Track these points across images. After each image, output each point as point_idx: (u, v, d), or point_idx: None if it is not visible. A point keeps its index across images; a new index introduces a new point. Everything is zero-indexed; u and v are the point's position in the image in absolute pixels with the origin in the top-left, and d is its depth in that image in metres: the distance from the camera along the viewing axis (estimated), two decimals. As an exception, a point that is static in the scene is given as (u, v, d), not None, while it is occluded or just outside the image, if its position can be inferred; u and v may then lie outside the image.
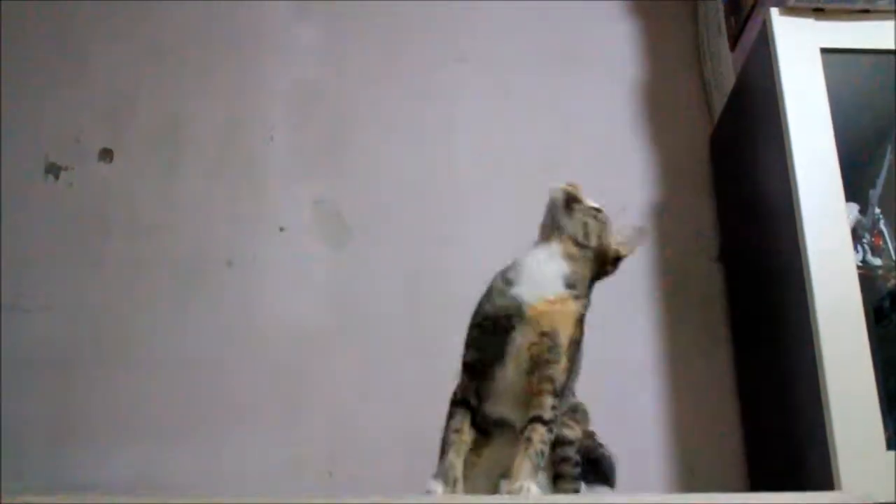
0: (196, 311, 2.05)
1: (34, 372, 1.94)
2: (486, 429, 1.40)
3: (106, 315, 2.02)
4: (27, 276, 2.02)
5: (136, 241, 2.08)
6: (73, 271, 2.04)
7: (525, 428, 1.32)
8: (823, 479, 1.60)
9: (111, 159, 2.14)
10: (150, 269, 2.06)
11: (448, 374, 1.92)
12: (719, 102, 2.27)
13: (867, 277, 1.89)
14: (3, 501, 1.10)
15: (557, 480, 1.41)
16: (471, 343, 1.40)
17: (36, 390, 1.93)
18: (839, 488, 1.56)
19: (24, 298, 2.00)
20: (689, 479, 1.92)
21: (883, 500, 1.53)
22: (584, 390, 1.45)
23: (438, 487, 1.31)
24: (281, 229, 2.14)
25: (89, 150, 2.14)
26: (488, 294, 1.43)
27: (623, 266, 2.08)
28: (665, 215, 2.23)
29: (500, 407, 1.37)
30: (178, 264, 2.08)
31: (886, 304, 1.97)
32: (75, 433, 1.91)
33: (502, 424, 1.39)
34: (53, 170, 2.11)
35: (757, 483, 2.02)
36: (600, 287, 1.45)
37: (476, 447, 1.40)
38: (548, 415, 1.32)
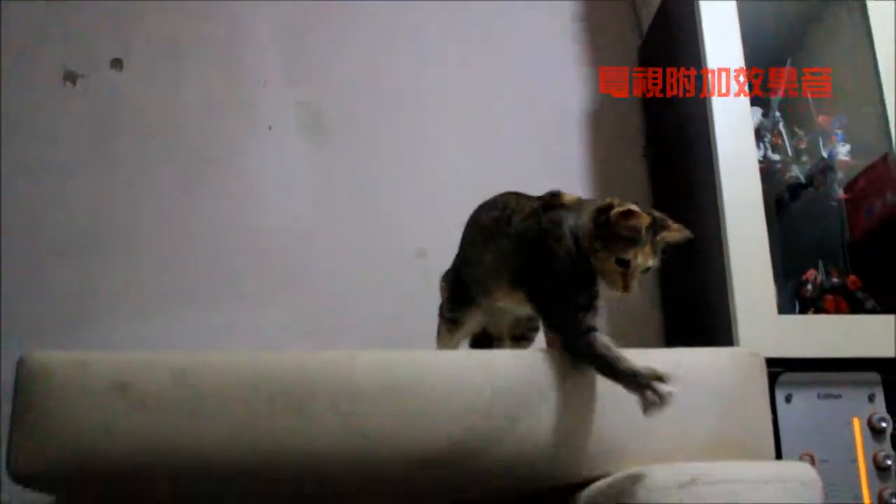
0: (196, 204, 2.14)
1: (54, 258, 2.03)
2: None
3: (117, 208, 2.11)
4: (47, 174, 2.10)
5: (144, 141, 2.17)
6: (87, 169, 2.12)
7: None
8: (725, 338, 1.74)
9: (121, 68, 2.21)
10: (155, 167, 2.15)
11: (412, 248, 2.11)
12: (647, 19, 2.38)
13: (767, 171, 2.10)
14: (32, 355, 1.12)
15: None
16: None
17: (54, 275, 2.02)
18: (738, 345, 1.70)
19: (43, 193, 2.08)
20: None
21: (773, 355, 1.62)
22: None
23: None
24: (269, 128, 2.24)
25: (102, 59, 2.20)
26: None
27: (559, 166, 2.30)
28: (600, 118, 2.37)
29: None
30: (180, 162, 2.17)
31: (786, 196, 2.15)
32: (90, 311, 2.00)
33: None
34: (71, 77, 2.17)
35: (671, 340, 2.15)
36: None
37: None
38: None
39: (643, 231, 1.18)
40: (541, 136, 2.34)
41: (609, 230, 1.19)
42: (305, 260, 2.16)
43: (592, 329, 1.18)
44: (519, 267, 1.28)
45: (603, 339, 1.17)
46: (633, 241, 1.18)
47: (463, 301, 1.42)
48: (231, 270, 2.12)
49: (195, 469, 1.11)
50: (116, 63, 2.22)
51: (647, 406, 1.10)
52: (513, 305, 1.34)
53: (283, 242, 2.16)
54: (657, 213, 1.23)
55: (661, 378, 1.11)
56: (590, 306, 1.20)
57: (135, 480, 1.13)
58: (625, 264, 1.19)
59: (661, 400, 1.09)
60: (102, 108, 2.18)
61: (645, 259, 1.20)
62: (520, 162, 2.28)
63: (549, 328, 1.28)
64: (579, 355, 1.18)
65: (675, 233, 1.23)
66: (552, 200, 1.29)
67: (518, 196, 1.36)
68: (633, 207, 1.18)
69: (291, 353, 1.19)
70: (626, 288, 1.20)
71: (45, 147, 2.12)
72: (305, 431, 1.11)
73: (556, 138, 2.35)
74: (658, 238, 1.21)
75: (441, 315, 1.47)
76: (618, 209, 1.18)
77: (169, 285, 2.08)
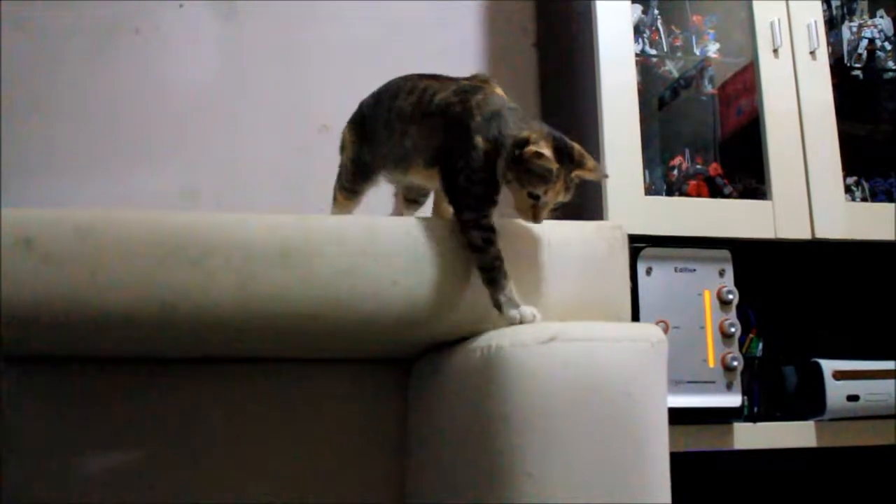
0: (111, 70, 2.12)
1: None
2: None
3: (37, 74, 2.07)
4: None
5: (59, 10, 2.10)
6: (7, 37, 2.05)
7: None
8: (597, 216, 1.78)
9: (36, -60, 2.10)
10: (72, 36, 2.10)
11: (316, 123, 2.09)
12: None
13: (645, 65, 2.16)
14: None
15: None
16: None
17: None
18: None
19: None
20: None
21: (638, 232, 1.75)
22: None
23: None
24: (180, 6, 2.20)
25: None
26: None
27: (457, 48, 2.30)
28: (496, 9, 2.38)
29: None
30: (95, 31, 2.12)
31: (667, 94, 2.23)
32: (15, 170, 1.98)
33: None
34: (-14, -51, 2.06)
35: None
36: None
37: None
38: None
39: (554, 171, 1.14)
40: (441, 20, 2.33)
41: (522, 165, 1.14)
42: (211, 127, 2.16)
43: (488, 228, 1.16)
44: (437, 148, 1.23)
45: (493, 248, 1.16)
46: (544, 178, 1.14)
47: (365, 177, 1.40)
48: (138, 135, 2.11)
49: (97, 320, 1.12)
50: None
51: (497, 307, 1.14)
52: (423, 181, 1.31)
53: (189, 110, 2.15)
54: (576, 149, 1.18)
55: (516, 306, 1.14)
56: (491, 200, 1.18)
57: (39, 334, 1.13)
58: (535, 198, 1.16)
59: (508, 318, 1.13)
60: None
61: (555, 195, 1.17)
62: (420, 43, 2.27)
63: (451, 206, 1.24)
64: (468, 243, 1.17)
65: (590, 172, 1.18)
66: (483, 86, 1.24)
67: (436, 78, 1.31)
68: (545, 151, 1.12)
69: (190, 213, 1.20)
70: (535, 219, 1.18)
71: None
72: (201, 285, 1.12)
73: (455, 23, 2.34)
74: (572, 175, 1.17)
75: (340, 185, 1.45)
76: (531, 148, 1.13)
77: (78, 147, 2.06)
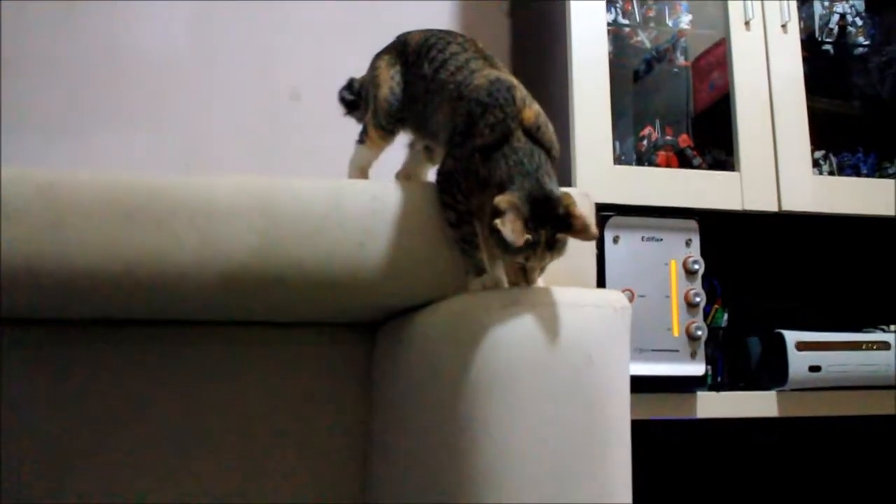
0: (81, 34, 2.09)
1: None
2: None
3: (7, 37, 2.03)
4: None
5: None
6: None
7: None
8: (566, 184, 1.61)
9: None
10: None
11: (286, 90, 2.07)
12: None
13: (617, 35, 2.15)
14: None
15: None
16: None
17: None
18: (577, 191, 1.80)
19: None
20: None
21: (606, 201, 1.77)
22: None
23: None
24: None
25: None
26: None
27: (429, 12, 2.29)
28: None
29: None
30: None
31: (642, 67, 2.22)
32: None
33: None
34: None
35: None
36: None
37: None
38: None
39: (520, 246, 1.03)
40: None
41: (495, 235, 1.04)
42: (181, 93, 2.13)
43: (463, 211, 1.13)
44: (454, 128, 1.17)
45: (467, 226, 1.13)
46: (518, 249, 1.05)
47: (403, 123, 1.32)
48: (107, 99, 2.09)
49: (59, 279, 1.10)
50: None
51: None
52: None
53: (159, 75, 2.13)
54: (562, 206, 1.06)
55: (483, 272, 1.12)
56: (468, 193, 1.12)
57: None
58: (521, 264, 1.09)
59: (475, 284, 1.12)
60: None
61: (541, 260, 1.08)
62: (391, 11, 2.25)
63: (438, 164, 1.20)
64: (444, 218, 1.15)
65: (577, 234, 1.07)
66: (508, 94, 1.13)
67: (482, 55, 1.24)
68: (509, 236, 1.02)
69: (153, 174, 1.18)
70: (526, 282, 1.10)
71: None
72: (165, 245, 1.11)
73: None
74: (558, 237, 1.07)
75: (377, 124, 1.34)
76: (496, 223, 1.03)
77: (48, 110, 2.04)
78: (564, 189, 1.09)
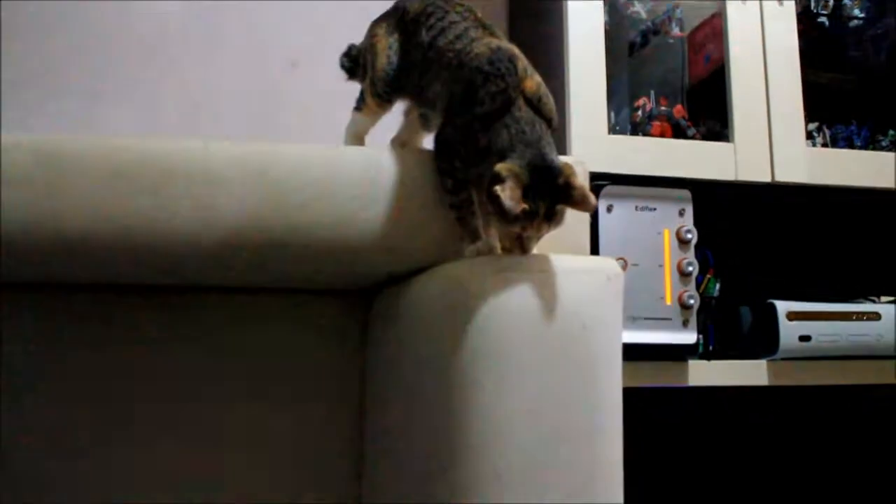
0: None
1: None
2: None
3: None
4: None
5: None
6: None
7: None
8: (561, 152, 1.72)
9: None
10: None
11: (285, 59, 2.06)
12: None
13: (613, 5, 2.11)
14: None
15: None
16: None
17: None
18: (570, 160, 1.80)
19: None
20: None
21: (600, 170, 1.76)
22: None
23: None
24: None
25: None
26: None
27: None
28: None
29: None
30: None
31: (638, 40, 2.23)
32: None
33: None
34: None
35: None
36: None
37: None
38: None
39: (518, 215, 1.03)
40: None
41: (493, 204, 1.03)
42: (179, 61, 2.12)
43: (460, 179, 1.13)
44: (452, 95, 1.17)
45: (463, 192, 1.13)
46: (516, 219, 1.04)
47: (400, 91, 1.31)
48: (104, 65, 2.07)
49: (54, 244, 1.11)
50: None
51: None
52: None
53: (156, 42, 2.12)
54: (563, 176, 1.05)
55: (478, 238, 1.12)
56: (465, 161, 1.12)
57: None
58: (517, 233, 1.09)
59: (470, 250, 1.13)
60: None
61: (538, 230, 1.07)
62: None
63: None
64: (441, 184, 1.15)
65: (576, 205, 1.07)
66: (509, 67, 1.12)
67: (480, 23, 1.21)
68: (507, 203, 1.01)
69: (149, 138, 1.18)
70: (521, 251, 1.10)
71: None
72: (161, 210, 1.11)
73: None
74: (557, 208, 1.06)
75: (375, 93, 1.32)
76: (495, 189, 1.02)
77: (43, 76, 2.02)
78: (564, 158, 1.09)
